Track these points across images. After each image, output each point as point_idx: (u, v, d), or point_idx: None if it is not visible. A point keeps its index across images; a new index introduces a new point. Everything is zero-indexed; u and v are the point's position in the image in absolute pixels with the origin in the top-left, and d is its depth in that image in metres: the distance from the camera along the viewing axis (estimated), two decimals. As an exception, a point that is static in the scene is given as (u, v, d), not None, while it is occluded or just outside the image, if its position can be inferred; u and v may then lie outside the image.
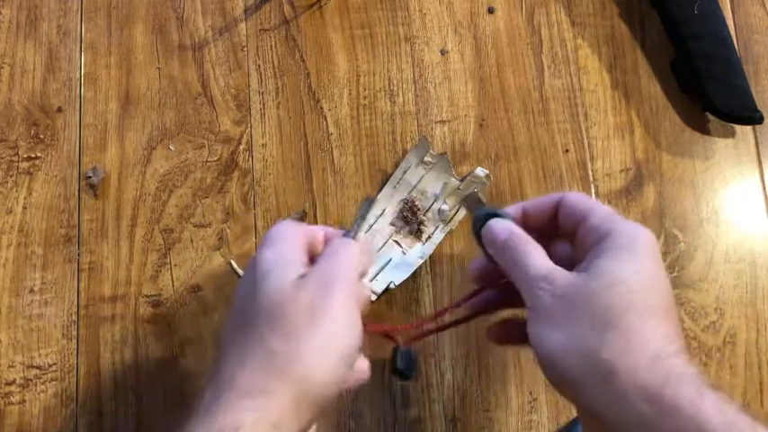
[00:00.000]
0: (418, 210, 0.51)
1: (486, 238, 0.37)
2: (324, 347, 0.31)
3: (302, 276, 0.33)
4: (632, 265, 0.32)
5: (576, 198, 0.37)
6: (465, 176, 0.52)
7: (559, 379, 0.32)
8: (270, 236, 0.35)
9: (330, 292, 0.32)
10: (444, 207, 0.51)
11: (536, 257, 0.34)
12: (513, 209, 0.39)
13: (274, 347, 0.31)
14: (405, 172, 0.51)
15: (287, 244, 0.35)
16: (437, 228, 0.51)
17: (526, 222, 0.38)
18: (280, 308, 0.32)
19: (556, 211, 0.37)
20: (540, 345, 0.32)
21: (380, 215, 0.51)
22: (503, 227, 0.36)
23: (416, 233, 0.51)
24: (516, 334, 0.37)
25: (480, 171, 0.51)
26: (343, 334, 0.32)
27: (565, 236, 0.37)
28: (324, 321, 0.32)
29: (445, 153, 0.52)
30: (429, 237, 0.51)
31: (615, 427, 0.30)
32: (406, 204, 0.51)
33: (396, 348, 0.41)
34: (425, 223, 0.51)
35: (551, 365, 0.32)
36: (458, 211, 0.51)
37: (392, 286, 0.48)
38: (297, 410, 0.30)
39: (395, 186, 0.51)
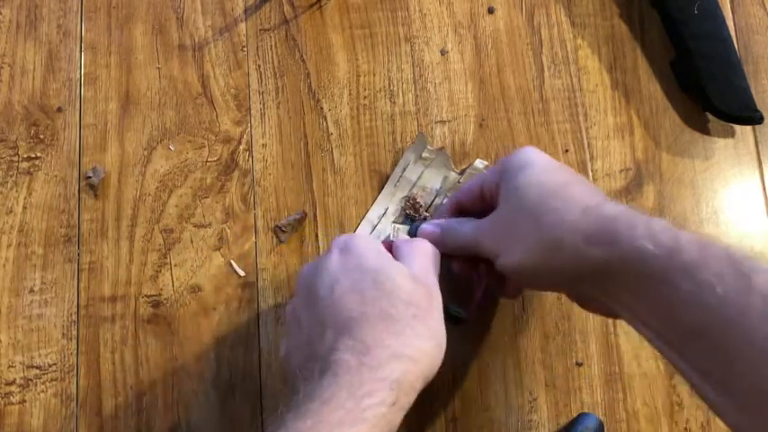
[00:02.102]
0: (420, 206, 0.51)
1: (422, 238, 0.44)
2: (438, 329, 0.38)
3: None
4: (523, 175, 0.39)
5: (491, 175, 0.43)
6: (464, 169, 0.52)
7: (533, 279, 0.40)
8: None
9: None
10: (446, 202, 0.51)
11: (464, 225, 0.43)
12: (448, 202, 0.47)
13: (412, 327, 0.37)
14: (404, 170, 0.51)
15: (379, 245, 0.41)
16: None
17: (463, 210, 0.46)
18: (412, 295, 0.38)
19: (483, 190, 0.43)
20: (508, 268, 0.39)
21: (383, 215, 0.51)
22: (426, 226, 0.45)
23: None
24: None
25: (479, 163, 0.51)
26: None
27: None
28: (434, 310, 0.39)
29: (443, 148, 0.52)
30: None
31: (580, 280, 0.36)
32: (408, 202, 0.51)
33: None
34: (428, 219, 0.51)
35: (523, 275, 0.39)
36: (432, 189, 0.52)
37: None
38: (423, 377, 0.36)
39: (395, 185, 0.51)
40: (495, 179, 0.42)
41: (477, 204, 0.44)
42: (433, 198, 0.51)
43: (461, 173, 0.51)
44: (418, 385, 0.36)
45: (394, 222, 0.51)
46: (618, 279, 0.34)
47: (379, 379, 0.34)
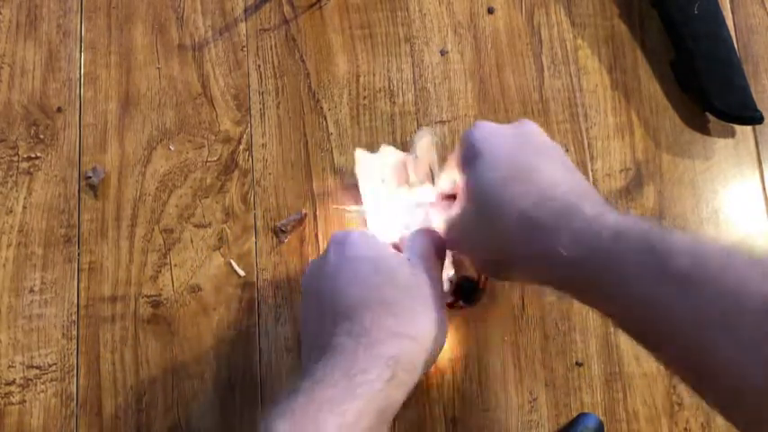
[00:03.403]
0: (406, 203, 0.50)
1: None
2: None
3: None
4: (471, 170, 0.38)
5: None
6: (412, 145, 0.51)
7: (494, 273, 0.41)
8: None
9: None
10: (420, 180, 0.51)
11: (441, 212, 0.43)
12: (435, 191, 0.48)
13: (420, 313, 0.37)
14: (368, 189, 0.51)
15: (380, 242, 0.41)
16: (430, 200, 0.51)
17: (447, 197, 0.45)
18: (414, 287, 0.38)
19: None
20: (471, 255, 0.41)
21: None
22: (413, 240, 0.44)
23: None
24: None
25: (420, 132, 0.51)
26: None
27: None
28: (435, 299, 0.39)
29: (381, 145, 0.52)
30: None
31: (537, 281, 0.37)
32: (395, 209, 0.51)
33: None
34: (419, 204, 0.50)
35: (484, 268, 0.41)
36: (432, 172, 0.51)
37: None
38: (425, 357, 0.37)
39: (371, 205, 0.51)
40: (457, 168, 0.42)
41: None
42: (409, 188, 0.51)
43: (412, 150, 0.51)
44: (419, 364, 0.36)
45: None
46: (563, 288, 0.35)
47: (374, 356, 0.34)
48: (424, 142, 0.51)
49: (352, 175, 0.51)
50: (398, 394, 0.35)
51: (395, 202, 0.50)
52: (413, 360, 0.35)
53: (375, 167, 0.51)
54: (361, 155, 0.51)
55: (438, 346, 0.38)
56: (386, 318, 0.36)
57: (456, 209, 0.41)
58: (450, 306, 0.48)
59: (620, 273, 0.31)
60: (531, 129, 0.40)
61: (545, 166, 0.37)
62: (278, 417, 0.32)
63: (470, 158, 0.39)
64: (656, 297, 0.29)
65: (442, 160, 0.52)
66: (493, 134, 0.39)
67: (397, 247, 0.43)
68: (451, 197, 0.45)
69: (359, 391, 0.33)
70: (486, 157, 0.38)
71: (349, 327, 0.35)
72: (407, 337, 0.35)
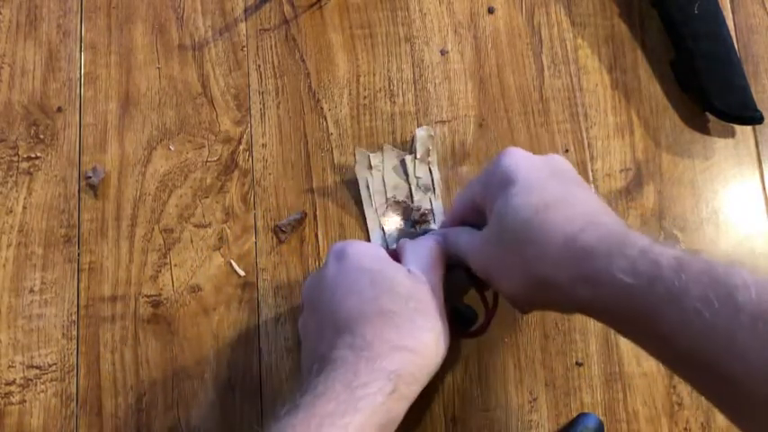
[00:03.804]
0: (406, 203, 0.51)
1: None
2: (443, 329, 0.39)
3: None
4: (504, 197, 0.37)
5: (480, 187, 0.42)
6: (412, 144, 0.52)
7: (527, 307, 0.40)
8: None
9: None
10: (421, 180, 0.51)
11: (461, 237, 0.42)
12: (448, 216, 0.47)
13: (419, 322, 0.37)
14: (368, 188, 0.51)
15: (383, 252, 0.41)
16: (430, 199, 0.51)
17: (463, 222, 0.44)
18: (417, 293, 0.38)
19: (474, 204, 0.42)
20: (503, 294, 0.40)
21: (384, 236, 0.50)
22: (428, 239, 0.44)
23: (421, 217, 0.50)
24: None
25: (420, 131, 0.51)
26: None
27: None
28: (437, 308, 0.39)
29: (382, 144, 0.52)
30: (431, 210, 0.51)
31: (573, 311, 0.36)
32: (399, 210, 0.51)
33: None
34: (419, 205, 0.51)
35: (517, 304, 0.39)
36: (431, 172, 0.51)
37: None
38: (426, 370, 0.37)
39: (372, 206, 0.51)
40: (481, 193, 0.40)
41: (474, 216, 0.43)
42: (408, 187, 0.51)
43: (411, 149, 0.51)
44: (421, 376, 0.36)
45: (399, 230, 0.51)
46: (606, 314, 0.34)
47: (376, 369, 0.34)
48: (424, 141, 0.51)
49: (353, 173, 0.51)
50: (400, 407, 0.34)
51: (395, 206, 0.51)
52: (414, 373, 0.35)
53: (375, 166, 0.51)
54: (361, 154, 0.51)
55: (439, 357, 0.37)
56: (387, 331, 0.35)
57: (483, 236, 0.39)
58: (461, 333, 0.46)
59: (681, 304, 0.29)
60: (561, 161, 0.40)
61: (582, 195, 0.37)
62: (280, 431, 0.31)
63: (504, 185, 0.37)
64: (719, 331, 0.28)
65: (443, 160, 0.53)
66: (525, 161, 0.38)
67: (396, 255, 0.42)
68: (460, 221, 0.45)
69: (360, 404, 0.32)
70: (521, 182, 0.37)
71: (350, 340, 0.35)
72: (409, 351, 0.35)
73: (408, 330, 0.36)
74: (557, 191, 0.37)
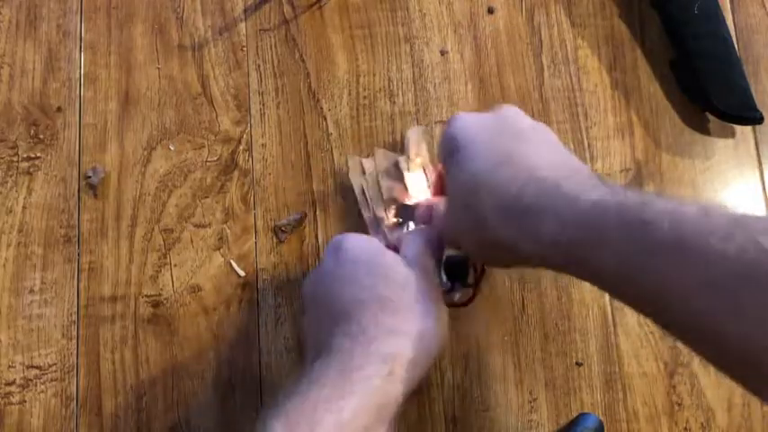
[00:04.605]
0: (405, 205, 0.50)
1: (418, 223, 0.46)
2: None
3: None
4: (453, 163, 0.38)
5: None
6: (404, 145, 0.52)
7: (486, 263, 0.43)
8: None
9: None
10: (416, 179, 0.51)
11: (439, 205, 0.44)
12: (428, 190, 0.49)
13: (416, 310, 0.37)
14: (364, 194, 0.51)
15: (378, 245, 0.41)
16: (426, 199, 0.51)
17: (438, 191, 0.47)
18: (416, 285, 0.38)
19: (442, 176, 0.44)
20: (466, 247, 0.40)
21: (388, 241, 0.50)
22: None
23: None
24: None
25: (411, 132, 0.51)
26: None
27: None
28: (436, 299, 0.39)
29: (374, 148, 0.52)
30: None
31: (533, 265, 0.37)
32: (395, 212, 0.51)
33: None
34: (416, 204, 0.50)
35: (477, 259, 0.42)
36: (425, 171, 0.51)
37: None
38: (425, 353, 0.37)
39: (369, 210, 0.51)
40: (441, 162, 0.42)
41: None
42: (405, 188, 0.51)
43: (405, 151, 0.51)
44: (420, 360, 0.36)
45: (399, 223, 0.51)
46: (551, 266, 0.35)
47: (371, 353, 0.34)
48: (416, 141, 0.51)
49: (348, 179, 0.51)
50: (397, 390, 0.34)
51: (390, 203, 0.51)
52: (411, 357, 0.35)
53: (368, 171, 0.51)
54: (353, 161, 0.51)
55: (437, 343, 0.37)
56: (383, 316, 0.36)
57: (445, 205, 0.41)
58: (451, 303, 0.47)
59: (604, 248, 0.30)
60: (511, 113, 0.40)
61: (527, 150, 0.37)
62: (273, 417, 0.31)
63: (451, 152, 0.39)
64: (641, 268, 0.29)
65: (436, 159, 0.52)
66: (470, 125, 0.39)
67: (394, 248, 0.42)
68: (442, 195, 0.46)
69: (356, 387, 0.32)
70: (466, 148, 0.38)
71: (346, 327, 0.35)
72: (405, 335, 0.35)
73: (404, 315, 0.36)
74: (501, 149, 0.37)
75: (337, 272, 0.39)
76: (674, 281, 0.28)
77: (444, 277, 0.46)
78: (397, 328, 0.35)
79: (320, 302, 0.39)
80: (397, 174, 0.51)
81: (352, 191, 0.51)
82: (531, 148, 0.37)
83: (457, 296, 0.48)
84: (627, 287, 0.31)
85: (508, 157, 0.36)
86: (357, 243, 0.40)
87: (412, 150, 0.51)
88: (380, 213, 0.50)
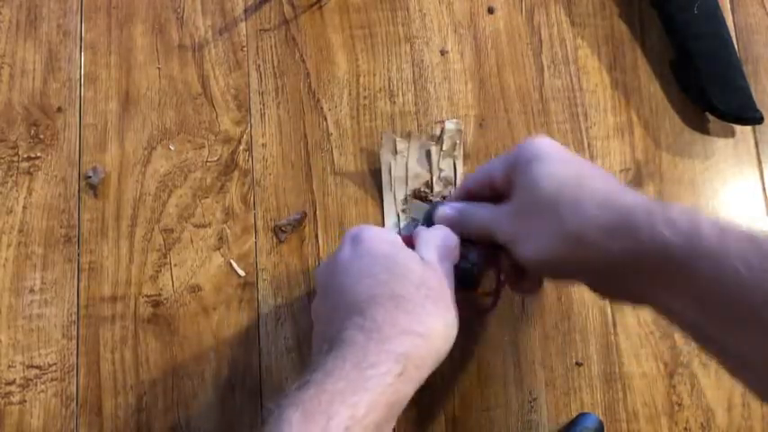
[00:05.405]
0: (426, 193, 0.50)
1: (439, 222, 0.44)
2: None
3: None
4: (538, 166, 0.39)
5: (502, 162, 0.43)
6: (440, 136, 0.52)
7: (552, 271, 0.40)
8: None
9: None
10: (443, 172, 0.51)
11: (481, 209, 0.42)
12: (457, 191, 0.47)
13: (427, 308, 0.37)
14: (390, 173, 0.51)
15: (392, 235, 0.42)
16: (450, 192, 0.51)
17: (473, 198, 0.45)
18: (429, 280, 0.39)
19: (493, 180, 0.43)
20: (526, 259, 0.39)
21: (400, 226, 0.51)
22: (443, 209, 0.44)
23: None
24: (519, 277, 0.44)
25: (450, 124, 0.51)
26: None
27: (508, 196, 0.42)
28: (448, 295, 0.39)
29: (410, 131, 0.52)
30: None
31: (603, 273, 0.36)
32: (415, 198, 0.51)
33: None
34: (439, 197, 0.51)
35: (543, 267, 0.39)
36: (455, 166, 0.51)
37: None
38: (435, 355, 0.37)
39: (391, 191, 0.51)
40: (505, 169, 0.41)
41: (487, 194, 0.44)
42: (429, 178, 0.51)
43: (439, 141, 0.52)
44: (430, 361, 0.36)
45: (413, 219, 0.51)
46: (641, 269, 0.34)
47: (385, 351, 0.34)
48: (452, 135, 0.51)
49: (376, 158, 0.52)
50: (408, 389, 0.35)
51: (414, 194, 0.51)
52: (423, 357, 0.35)
53: (400, 152, 0.51)
54: (387, 137, 0.51)
55: (448, 344, 0.38)
56: (397, 315, 0.36)
57: (510, 207, 0.40)
58: (473, 308, 0.47)
59: (720, 262, 0.30)
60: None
61: (606, 173, 0.39)
62: (289, 405, 0.32)
63: (532, 158, 0.39)
64: (758, 285, 0.29)
65: (466, 156, 0.52)
66: (554, 144, 0.40)
67: (410, 242, 0.43)
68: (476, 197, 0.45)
69: (369, 384, 0.33)
70: (552, 156, 0.39)
71: (361, 321, 0.36)
72: (418, 335, 0.36)
73: (418, 316, 0.36)
74: (583, 165, 0.39)
75: (354, 263, 0.39)
76: None
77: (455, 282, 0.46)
78: (409, 329, 0.36)
79: (334, 291, 0.39)
80: (426, 162, 0.51)
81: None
82: (608, 174, 0.40)
83: (479, 301, 0.47)
84: (724, 309, 0.31)
85: (599, 172, 0.39)
86: (376, 235, 0.40)
87: (446, 142, 0.51)
88: (401, 197, 0.51)
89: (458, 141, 0.52)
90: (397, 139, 0.51)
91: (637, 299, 0.37)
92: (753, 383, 0.32)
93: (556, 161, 0.39)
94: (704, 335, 0.33)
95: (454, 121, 0.52)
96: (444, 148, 0.51)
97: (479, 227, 0.42)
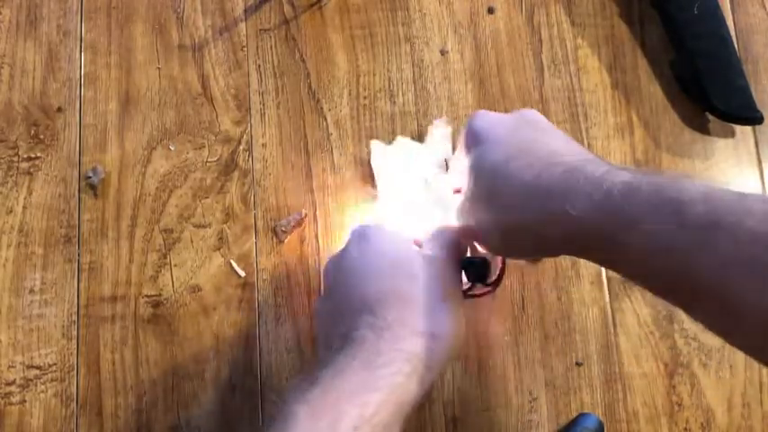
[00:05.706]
0: (420, 194, 0.51)
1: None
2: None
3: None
4: (474, 156, 0.39)
5: None
6: (429, 138, 0.52)
7: (508, 255, 0.42)
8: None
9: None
10: (436, 173, 0.51)
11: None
12: (449, 184, 0.47)
13: (435, 307, 0.37)
14: (383, 179, 0.51)
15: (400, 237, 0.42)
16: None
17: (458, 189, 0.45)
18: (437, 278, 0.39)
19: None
20: (487, 244, 0.40)
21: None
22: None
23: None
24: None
25: (438, 126, 0.52)
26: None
27: None
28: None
29: (396, 137, 0.52)
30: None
31: (548, 252, 0.39)
32: (410, 199, 0.51)
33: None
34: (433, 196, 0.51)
35: (496, 252, 0.41)
36: (447, 166, 0.52)
37: None
38: (444, 355, 0.37)
39: (386, 196, 0.51)
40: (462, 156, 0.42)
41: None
42: (425, 180, 0.51)
43: (428, 143, 0.52)
44: (440, 360, 0.36)
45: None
46: (578, 250, 0.35)
47: (396, 350, 0.34)
48: (440, 133, 0.51)
49: (368, 165, 0.52)
50: (418, 389, 0.35)
51: (412, 195, 0.51)
52: (433, 356, 0.36)
53: (390, 158, 0.51)
54: (376, 145, 0.51)
55: (457, 343, 0.38)
56: (407, 315, 0.36)
57: (464, 196, 0.41)
58: (469, 293, 0.46)
59: (634, 227, 0.30)
60: (531, 114, 0.41)
61: (545, 139, 0.38)
62: (297, 402, 0.32)
63: (472, 145, 0.39)
64: (673, 247, 0.29)
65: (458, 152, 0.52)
66: (492, 121, 0.40)
67: (416, 242, 0.43)
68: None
69: (380, 383, 0.33)
70: (488, 141, 0.39)
71: (371, 320, 0.36)
72: (428, 335, 0.36)
73: (427, 316, 0.36)
74: (522, 142, 0.38)
75: (361, 261, 0.39)
76: (705, 258, 0.28)
77: (465, 278, 0.45)
78: (419, 329, 0.36)
79: (342, 289, 0.39)
80: (418, 164, 0.51)
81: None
82: (549, 139, 0.38)
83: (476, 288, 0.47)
84: (653, 266, 0.30)
85: (528, 145, 0.37)
86: (382, 234, 0.40)
87: (434, 143, 0.51)
88: (397, 200, 0.51)
89: (448, 141, 0.52)
90: (386, 145, 0.51)
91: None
92: (715, 330, 0.32)
93: (489, 147, 0.38)
94: (657, 292, 0.33)
95: (440, 119, 0.52)
96: (434, 149, 0.51)
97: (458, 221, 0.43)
